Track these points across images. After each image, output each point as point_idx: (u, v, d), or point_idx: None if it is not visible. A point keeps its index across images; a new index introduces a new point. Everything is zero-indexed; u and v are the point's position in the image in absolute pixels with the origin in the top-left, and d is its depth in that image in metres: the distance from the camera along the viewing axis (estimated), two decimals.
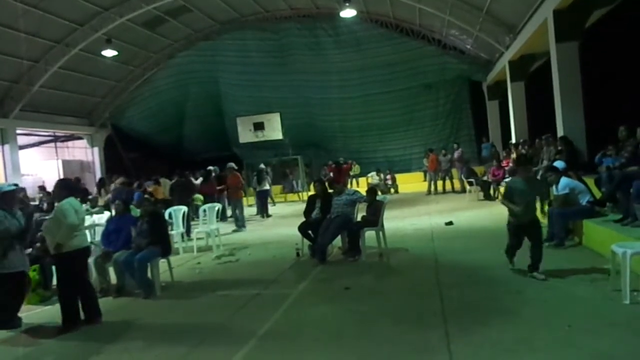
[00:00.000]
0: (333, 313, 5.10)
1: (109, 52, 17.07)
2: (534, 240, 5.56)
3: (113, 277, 6.70)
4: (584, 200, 7.14)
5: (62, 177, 19.31)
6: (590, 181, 7.92)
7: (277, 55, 21.54)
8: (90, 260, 6.75)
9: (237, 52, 21.61)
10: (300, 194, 20.10)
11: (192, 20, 19.97)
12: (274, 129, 20.65)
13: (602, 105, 12.27)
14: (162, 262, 6.80)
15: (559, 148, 10.03)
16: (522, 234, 5.73)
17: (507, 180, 6.35)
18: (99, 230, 7.62)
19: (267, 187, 15.48)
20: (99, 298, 6.36)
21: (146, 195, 9.44)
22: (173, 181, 13.62)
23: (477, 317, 4.53)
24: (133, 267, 6.25)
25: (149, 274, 6.43)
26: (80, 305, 5.36)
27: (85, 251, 5.55)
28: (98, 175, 21.51)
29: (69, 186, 5.84)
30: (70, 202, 5.42)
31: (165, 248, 6.73)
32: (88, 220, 9.19)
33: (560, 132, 10.80)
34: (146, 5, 16.29)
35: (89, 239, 6.01)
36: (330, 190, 8.33)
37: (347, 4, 16.30)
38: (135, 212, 7.43)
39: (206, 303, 5.99)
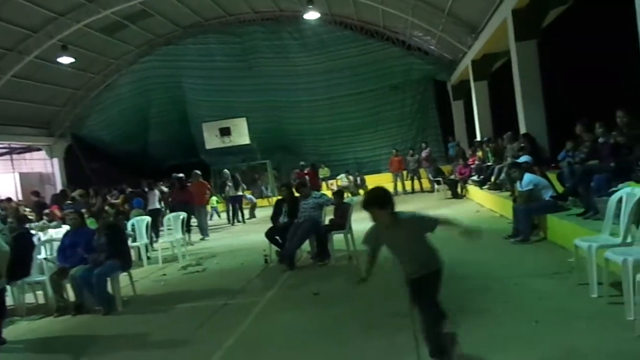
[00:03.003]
0: (302, 320, 4.98)
1: (65, 59, 16.49)
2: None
3: (71, 295, 6.39)
4: (547, 195, 7.24)
5: (20, 190, 18.56)
6: (552, 176, 8.06)
7: (242, 59, 21.30)
8: (46, 277, 6.47)
9: (200, 57, 21.25)
10: (269, 199, 19.89)
11: (153, 25, 19.52)
12: (241, 134, 20.39)
13: (561, 101, 12.56)
14: (124, 276, 6.54)
15: (522, 145, 10.18)
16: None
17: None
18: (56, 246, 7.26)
19: (240, 192, 15.23)
20: (55, 317, 6.12)
21: (106, 207, 9.09)
22: (127, 192, 13.23)
23: None
24: (91, 283, 5.97)
25: (109, 289, 6.16)
26: None
27: None
28: (59, 187, 20.76)
29: None
30: None
31: (125, 261, 6.46)
32: (46, 235, 8.87)
33: (522, 129, 10.99)
34: (103, 10, 15.80)
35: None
36: (297, 194, 8.21)
37: (310, 6, 16.25)
38: (93, 224, 7.13)
39: (170, 316, 5.77)
